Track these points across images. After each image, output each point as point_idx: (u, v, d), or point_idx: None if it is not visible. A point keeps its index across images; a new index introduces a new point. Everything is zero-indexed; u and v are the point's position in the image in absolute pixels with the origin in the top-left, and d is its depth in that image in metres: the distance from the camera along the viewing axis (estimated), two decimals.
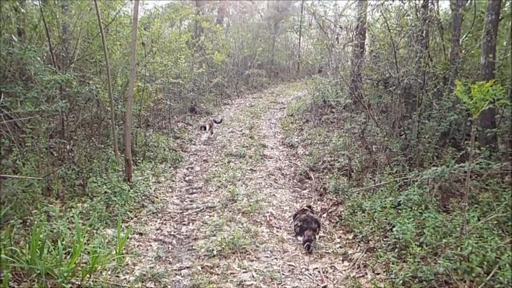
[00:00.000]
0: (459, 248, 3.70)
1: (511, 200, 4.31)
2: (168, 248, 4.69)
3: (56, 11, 7.09)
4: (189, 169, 7.89)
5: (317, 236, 4.78)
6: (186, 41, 11.83)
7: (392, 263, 3.96)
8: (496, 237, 3.76)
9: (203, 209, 5.86)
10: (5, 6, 6.18)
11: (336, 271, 4.18)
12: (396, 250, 4.13)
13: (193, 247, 4.68)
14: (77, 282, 3.58)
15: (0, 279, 3.29)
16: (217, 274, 4.02)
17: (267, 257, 4.48)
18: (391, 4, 8.33)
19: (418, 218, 4.42)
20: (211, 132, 10.32)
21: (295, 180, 7.24)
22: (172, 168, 7.78)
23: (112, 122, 6.16)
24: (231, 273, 4.04)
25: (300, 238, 4.79)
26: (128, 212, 5.41)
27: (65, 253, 3.83)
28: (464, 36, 7.05)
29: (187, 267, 4.19)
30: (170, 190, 6.70)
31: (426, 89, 6.29)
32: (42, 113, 5.37)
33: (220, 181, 6.97)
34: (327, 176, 6.85)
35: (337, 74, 9.79)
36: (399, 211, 4.71)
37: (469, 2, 7.19)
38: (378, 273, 4.00)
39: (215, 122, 10.88)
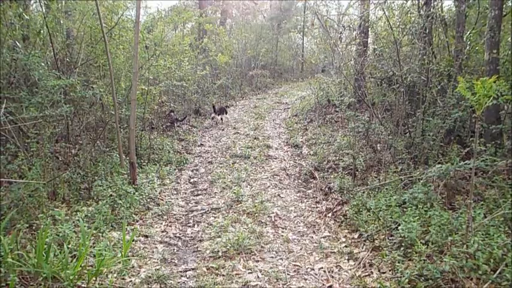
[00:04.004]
0: (465, 246, 3.67)
1: None
2: (174, 249, 4.70)
3: (60, 17, 7.15)
4: (194, 171, 7.91)
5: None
6: (189, 43, 11.87)
7: (398, 262, 3.94)
8: (502, 235, 3.72)
9: (208, 210, 5.87)
10: (9, 13, 6.24)
11: (342, 270, 4.16)
12: (402, 249, 4.10)
13: (199, 248, 4.69)
14: (83, 285, 3.60)
15: (7, 283, 3.32)
16: (223, 275, 4.02)
17: (272, 257, 4.47)
18: (393, 2, 8.32)
19: (424, 216, 4.39)
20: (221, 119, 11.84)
21: (300, 180, 7.23)
22: (177, 170, 7.81)
23: (116, 126, 6.19)
24: (236, 274, 4.05)
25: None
26: (133, 215, 5.43)
27: (71, 256, 3.86)
28: (468, 32, 7.01)
29: (193, 269, 4.20)
30: (175, 192, 6.72)
31: (430, 86, 6.26)
32: (46, 118, 5.42)
33: (225, 182, 6.98)
34: (332, 176, 6.83)
35: (341, 73, 9.79)
36: (404, 209, 4.68)
37: None
38: (384, 272, 3.98)
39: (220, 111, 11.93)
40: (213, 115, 11.85)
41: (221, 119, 11.81)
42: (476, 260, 3.49)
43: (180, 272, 4.15)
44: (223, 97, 14.90)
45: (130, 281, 3.89)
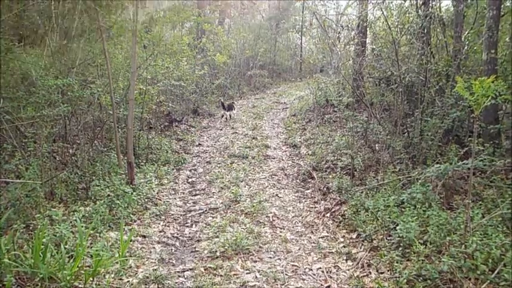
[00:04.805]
0: (463, 246, 3.67)
1: None
2: (171, 250, 4.69)
3: (58, 16, 7.11)
4: (192, 171, 7.89)
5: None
6: (188, 43, 11.84)
7: (397, 262, 3.93)
8: (500, 234, 3.72)
9: (206, 210, 5.86)
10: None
11: (340, 271, 4.16)
12: (400, 249, 4.10)
13: (196, 249, 4.67)
14: (80, 286, 3.58)
15: (3, 284, 3.30)
16: (221, 275, 4.01)
17: (270, 257, 4.46)
18: (391, 2, 8.32)
19: (422, 216, 4.39)
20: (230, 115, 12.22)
21: (298, 180, 7.22)
22: (175, 170, 7.79)
23: (114, 125, 6.17)
24: (234, 274, 4.03)
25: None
26: (131, 215, 5.41)
27: (68, 257, 3.83)
28: (466, 32, 7.01)
29: (191, 269, 4.18)
30: (173, 192, 6.70)
31: (428, 86, 6.25)
32: (44, 118, 5.39)
33: (223, 182, 6.97)
34: (330, 176, 6.83)
35: (339, 73, 9.79)
36: (403, 209, 4.68)
37: None
38: (382, 272, 3.97)
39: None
40: (222, 112, 12.20)
41: (229, 115, 12.18)
42: (475, 260, 3.49)
43: (178, 272, 4.14)
44: (222, 97, 14.87)
45: (128, 281, 3.87)
